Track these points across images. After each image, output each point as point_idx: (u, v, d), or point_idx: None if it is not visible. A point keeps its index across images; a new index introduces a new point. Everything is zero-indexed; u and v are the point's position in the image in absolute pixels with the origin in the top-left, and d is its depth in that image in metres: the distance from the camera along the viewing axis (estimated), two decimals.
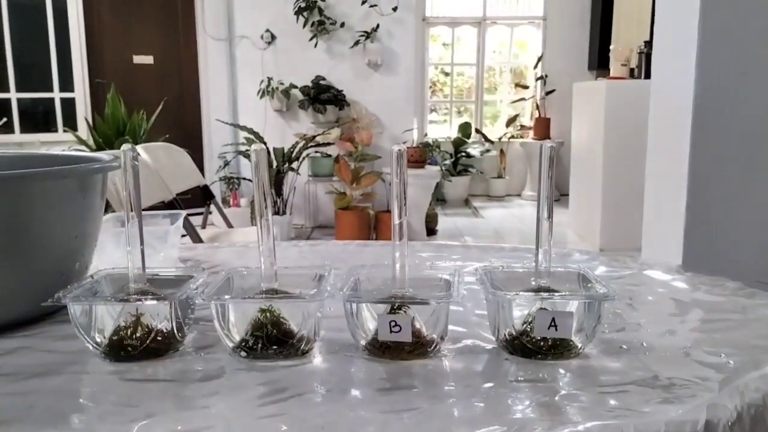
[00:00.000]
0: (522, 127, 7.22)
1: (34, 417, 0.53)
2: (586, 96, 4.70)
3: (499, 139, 7.13)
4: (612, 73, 4.55)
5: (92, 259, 0.84)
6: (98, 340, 0.65)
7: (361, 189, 4.69)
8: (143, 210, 0.68)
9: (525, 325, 0.65)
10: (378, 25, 5.12)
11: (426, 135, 7.01)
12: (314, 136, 4.73)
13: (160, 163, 2.24)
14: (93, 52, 5.34)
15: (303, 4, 5.06)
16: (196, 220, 2.34)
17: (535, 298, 0.66)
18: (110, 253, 0.92)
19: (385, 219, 4.69)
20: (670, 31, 2.14)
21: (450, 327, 0.68)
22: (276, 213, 4.61)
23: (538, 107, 7.07)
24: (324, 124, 5.17)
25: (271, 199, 0.68)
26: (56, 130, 5.38)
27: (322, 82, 5.20)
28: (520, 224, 5.66)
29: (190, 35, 5.40)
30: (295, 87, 5.22)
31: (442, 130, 7.44)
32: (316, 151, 4.95)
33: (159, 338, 0.65)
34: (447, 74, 7.57)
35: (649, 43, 4.30)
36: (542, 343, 0.64)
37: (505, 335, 0.66)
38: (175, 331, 0.66)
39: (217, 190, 5.07)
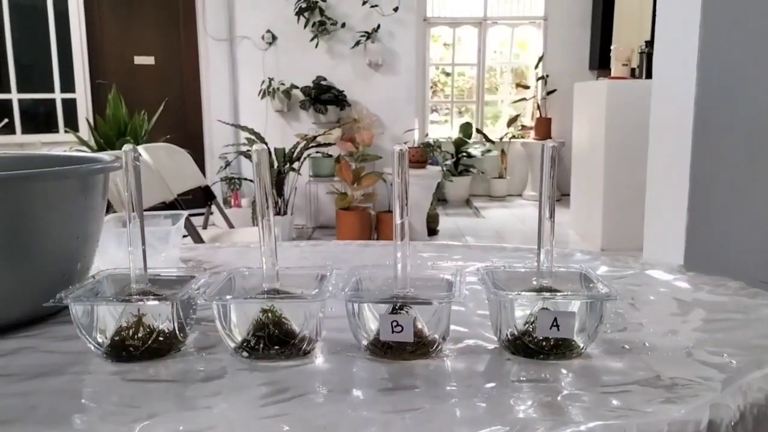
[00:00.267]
0: (523, 127, 7.22)
1: (35, 417, 0.53)
2: (587, 96, 4.70)
3: (500, 139, 7.13)
4: (613, 73, 4.54)
5: (94, 260, 0.84)
6: (100, 340, 0.65)
7: (362, 189, 4.69)
8: (145, 210, 0.68)
9: (527, 325, 0.65)
10: (379, 26, 5.13)
11: (427, 135, 7.01)
12: (315, 137, 4.73)
13: (162, 164, 2.24)
14: (94, 53, 5.35)
15: (304, 5, 5.06)
16: (198, 221, 2.34)
17: (537, 298, 0.66)
18: (112, 253, 0.92)
19: (386, 219, 4.69)
20: (671, 30, 2.14)
21: (452, 327, 0.68)
22: (277, 213, 4.62)
23: (539, 107, 7.06)
24: (325, 125, 5.17)
25: (272, 200, 0.68)
26: (57, 131, 5.39)
27: (323, 82, 5.20)
28: (521, 224, 5.66)
29: (191, 36, 5.40)
30: (296, 87, 5.22)
31: (443, 131, 7.44)
32: (317, 152, 4.96)
33: (161, 339, 0.65)
34: (448, 74, 7.57)
35: (650, 43, 4.30)
36: (544, 343, 0.64)
37: (507, 335, 0.66)
38: (177, 332, 0.66)
39: (218, 190, 5.07)
